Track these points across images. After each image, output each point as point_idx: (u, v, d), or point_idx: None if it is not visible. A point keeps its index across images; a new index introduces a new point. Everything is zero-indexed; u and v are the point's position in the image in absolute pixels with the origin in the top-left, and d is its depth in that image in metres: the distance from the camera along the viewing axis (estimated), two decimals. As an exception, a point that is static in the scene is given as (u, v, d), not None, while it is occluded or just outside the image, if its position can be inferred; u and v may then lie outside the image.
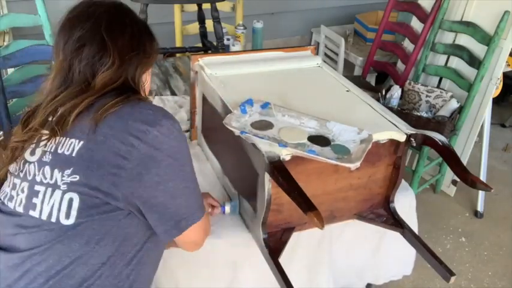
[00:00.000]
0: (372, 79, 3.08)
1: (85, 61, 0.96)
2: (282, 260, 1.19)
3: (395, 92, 2.39)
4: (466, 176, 1.16)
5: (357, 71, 3.10)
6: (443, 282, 1.66)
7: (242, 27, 2.56)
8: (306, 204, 0.96)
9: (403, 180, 1.38)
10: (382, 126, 1.26)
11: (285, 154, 1.11)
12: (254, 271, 1.31)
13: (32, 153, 0.97)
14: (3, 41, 2.50)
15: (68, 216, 0.91)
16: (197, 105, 1.58)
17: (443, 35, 2.49)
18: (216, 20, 2.56)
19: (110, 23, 0.98)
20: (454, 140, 2.40)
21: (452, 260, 2.21)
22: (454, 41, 2.46)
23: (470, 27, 2.32)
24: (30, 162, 0.96)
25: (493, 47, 2.18)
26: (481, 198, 2.49)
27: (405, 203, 1.43)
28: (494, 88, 2.30)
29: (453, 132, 2.34)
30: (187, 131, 1.73)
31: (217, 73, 1.44)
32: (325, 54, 3.22)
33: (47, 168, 0.94)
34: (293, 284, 1.11)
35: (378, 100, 2.32)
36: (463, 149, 2.47)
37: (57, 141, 0.94)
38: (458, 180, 2.37)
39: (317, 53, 1.69)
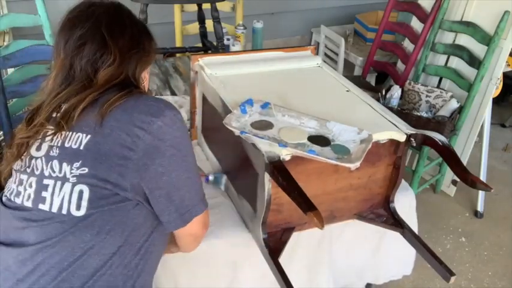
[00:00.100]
0: (372, 79, 3.08)
1: (86, 58, 0.99)
2: (282, 260, 1.19)
3: (395, 92, 2.39)
4: (466, 176, 1.16)
5: (357, 71, 3.10)
6: (443, 282, 1.66)
7: (242, 27, 2.56)
8: (306, 204, 0.96)
9: (403, 180, 1.39)
10: (382, 126, 1.26)
11: (285, 154, 1.11)
12: (254, 271, 1.31)
13: (38, 148, 0.99)
14: (3, 41, 2.50)
15: (78, 207, 0.93)
16: (197, 105, 1.58)
17: (443, 35, 2.49)
18: (216, 20, 2.56)
19: (110, 23, 1.01)
20: (454, 140, 2.40)
21: (452, 260, 2.21)
22: (454, 41, 2.46)
23: (470, 27, 2.32)
24: (36, 158, 0.98)
25: (493, 47, 2.18)
26: (481, 198, 2.49)
27: (405, 203, 1.43)
28: (494, 88, 2.30)
29: (453, 132, 2.34)
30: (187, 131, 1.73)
31: (217, 73, 1.44)
32: (325, 54, 3.22)
33: (55, 162, 0.96)
34: (293, 284, 1.11)
35: (378, 100, 2.32)
36: (463, 149, 2.47)
37: (63, 135, 0.96)
38: (458, 180, 2.37)
39: (317, 53, 1.69)
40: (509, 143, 3.15)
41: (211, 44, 2.74)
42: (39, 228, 0.95)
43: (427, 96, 2.36)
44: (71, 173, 0.94)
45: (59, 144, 0.96)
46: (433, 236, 2.35)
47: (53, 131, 0.97)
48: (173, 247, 1.16)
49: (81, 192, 0.93)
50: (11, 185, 1.02)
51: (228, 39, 2.57)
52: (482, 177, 2.50)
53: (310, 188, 1.11)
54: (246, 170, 1.23)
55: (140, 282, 1.02)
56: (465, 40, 2.39)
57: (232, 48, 2.47)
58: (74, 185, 0.94)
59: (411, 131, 1.25)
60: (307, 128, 1.21)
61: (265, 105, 1.27)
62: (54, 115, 0.98)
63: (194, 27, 2.94)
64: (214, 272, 1.29)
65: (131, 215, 0.97)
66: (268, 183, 1.12)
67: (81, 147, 0.94)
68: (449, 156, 1.21)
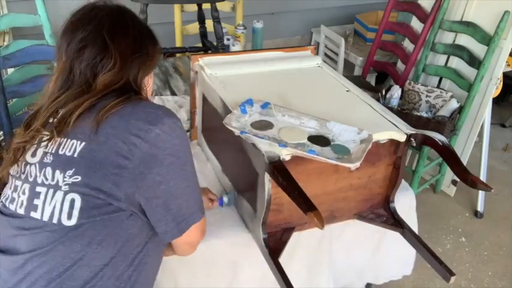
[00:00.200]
0: (372, 79, 3.08)
1: (85, 62, 0.97)
2: (282, 260, 1.19)
3: (395, 92, 2.39)
4: (466, 176, 1.16)
5: (357, 71, 3.10)
6: (443, 282, 1.66)
7: (242, 27, 2.56)
8: (306, 204, 0.96)
9: (403, 180, 1.38)
10: (382, 126, 1.26)
11: (285, 154, 1.11)
12: (254, 271, 1.31)
13: (33, 154, 0.97)
14: (3, 41, 2.50)
15: (69, 216, 0.91)
16: (197, 105, 1.58)
17: (443, 35, 2.49)
18: (216, 20, 2.56)
19: (112, 26, 0.99)
20: (454, 140, 2.40)
21: (452, 260, 2.21)
22: (454, 41, 2.46)
23: (470, 27, 2.32)
24: (31, 164, 0.96)
25: (493, 47, 2.18)
26: (481, 198, 2.49)
27: (405, 203, 1.43)
28: (494, 88, 2.30)
29: (453, 132, 2.34)
30: (187, 131, 1.73)
31: (217, 73, 1.44)
32: (325, 54, 3.22)
33: (49, 169, 0.94)
34: (293, 284, 1.11)
35: (378, 100, 2.31)
36: (463, 149, 2.47)
37: (58, 142, 0.94)
38: (458, 180, 2.37)
39: (317, 53, 1.69)
40: (509, 143, 3.15)
41: (211, 44, 2.74)
42: (30, 237, 0.93)
43: (427, 96, 2.36)
44: (64, 181, 0.91)
45: (53, 151, 0.94)
46: (433, 236, 2.35)
47: (48, 137, 0.94)
48: (169, 250, 1.14)
49: (72, 201, 0.91)
50: (7, 191, 1.00)
51: (228, 39, 2.57)
52: (482, 177, 2.50)
53: (310, 188, 1.11)
54: (246, 170, 1.23)
55: None
56: (465, 40, 2.39)
57: (232, 48, 2.47)
58: (65, 193, 0.91)
59: (411, 131, 1.25)
60: (307, 128, 1.21)
61: (265, 105, 1.27)
62: (51, 120, 0.96)
63: (194, 27, 2.94)
64: (214, 272, 1.29)
65: (125, 225, 0.94)
66: (268, 183, 1.12)
67: (75, 155, 0.92)
68: (449, 156, 1.21)
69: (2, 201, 1.00)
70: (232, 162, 1.40)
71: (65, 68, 0.98)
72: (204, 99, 1.50)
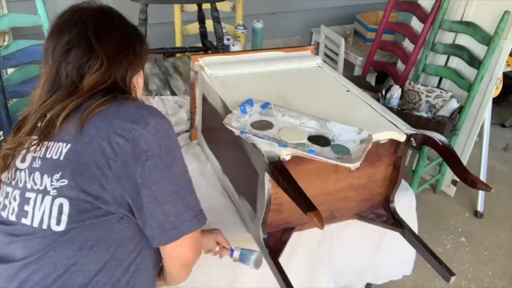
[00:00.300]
0: (372, 79, 3.08)
1: (71, 64, 0.95)
2: (282, 260, 1.19)
3: (395, 92, 2.39)
4: (466, 176, 1.16)
5: (357, 71, 3.10)
6: (443, 282, 1.66)
7: (242, 27, 2.56)
8: (306, 204, 0.96)
9: (403, 180, 1.39)
10: (382, 126, 1.26)
11: (285, 154, 1.11)
12: (254, 271, 1.31)
13: (23, 160, 0.95)
14: (3, 41, 2.50)
15: (58, 222, 0.89)
16: (197, 105, 1.58)
17: (443, 35, 2.49)
18: (216, 20, 2.55)
19: (97, 26, 0.98)
20: (454, 140, 2.40)
21: (452, 260, 2.21)
22: (454, 41, 2.46)
23: (470, 27, 2.32)
24: (21, 170, 0.95)
25: (493, 47, 2.18)
26: (481, 198, 2.49)
27: (405, 203, 1.43)
28: (494, 88, 2.30)
29: (453, 132, 2.34)
30: (187, 131, 1.73)
31: (217, 73, 1.44)
32: (325, 54, 3.22)
33: (37, 174, 0.92)
34: (293, 284, 1.11)
35: (378, 100, 2.31)
36: (463, 149, 2.47)
37: (46, 146, 0.93)
38: (458, 180, 2.37)
39: (317, 53, 1.69)
40: (509, 143, 3.15)
41: (211, 44, 2.74)
42: (23, 243, 0.91)
43: (427, 96, 2.36)
44: (51, 185, 0.90)
45: (41, 155, 0.92)
46: (433, 236, 2.35)
47: (35, 142, 0.93)
48: (160, 281, 1.09)
49: (61, 206, 0.89)
50: None
51: (228, 39, 2.57)
52: (482, 177, 2.50)
53: (310, 188, 1.11)
54: (246, 170, 1.23)
55: None
56: (465, 40, 2.39)
57: (232, 48, 2.47)
58: (54, 198, 0.89)
59: (411, 131, 1.25)
60: (307, 128, 1.21)
61: (265, 105, 1.27)
62: (39, 124, 0.94)
63: (194, 27, 2.94)
64: (214, 272, 1.29)
65: (115, 229, 0.92)
66: (268, 183, 1.12)
67: (61, 158, 0.90)
68: (449, 156, 1.21)
69: None
70: (232, 162, 1.40)
71: (51, 72, 0.97)
72: (204, 99, 1.50)
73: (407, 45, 2.69)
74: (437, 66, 2.49)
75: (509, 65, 2.49)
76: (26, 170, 0.94)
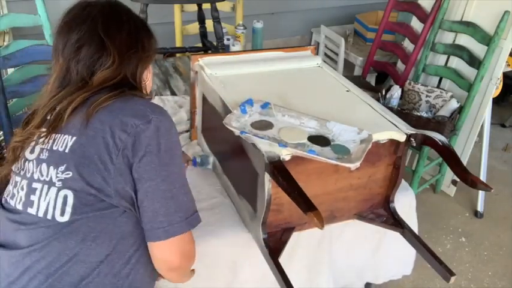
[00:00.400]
0: (372, 79, 3.08)
1: (82, 62, 0.97)
2: (282, 260, 1.19)
3: (395, 92, 2.39)
4: (466, 176, 1.16)
5: (357, 71, 3.10)
6: (443, 282, 1.66)
7: (242, 27, 2.56)
8: (306, 204, 0.96)
9: (403, 180, 1.38)
10: (382, 126, 1.26)
11: (285, 154, 1.11)
12: (254, 271, 1.31)
13: (32, 151, 0.98)
14: (3, 41, 2.50)
15: (62, 213, 0.92)
16: (197, 105, 1.58)
17: (443, 35, 2.49)
18: (216, 20, 2.56)
19: (106, 22, 0.99)
20: (454, 140, 2.40)
21: (452, 260, 2.21)
22: (454, 41, 2.46)
23: (470, 27, 2.32)
24: (29, 160, 0.97)
25: (493, 47, 2.18)
26: (481, 198, 2.49)
27: (405, 203, 1.43)
28: (494, 88, 2.30)
29: (453, 132, 2.34)
30: (187, 131, 1.73)
31: (217, 73, 1.44)
32: (325, 54, 3.22)
33: (44, 166, 0.95)
34: (293, 284, 1.11)
35: (378, 100, 2.31)
36: (463, 149, 2.47)
37: (53, 138, 0.95)
38: (458, 180, 2.37)
39: (317, 53, 1.69)
40: (509, 143, 3.15)
41: (211, 44, 2.74)
42: (28, 232, 0.94)
43: (427, 96, 2.36)
44: (57, 177, 0.92)
45: (48, 147, 0.95)
46: (433, 236, 2.35)
47: (44, 134, 0.95)
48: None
49: (65, 198, 0.91)
50: (9, 187, 1.02)
51: (228, 39, 2.57)
52: (482, 177, 2.50)
53: (310, 188, 1.11)
54: (246, 170, 1.23)
55: None
56: (465, 40, 2.39)
57: (232, 48, 2.46)
58: (59, 189, 0.92)
59: (411, 131, 1.25)
60: (307, 128, 1.21)
61: (265, 105, 1.27)
62: (48, 117, 0.97)
63: (194, 27, 2.94)
64: (214, 272, 1.29)
65: (118, 222, 0.94)
66: (268, 183, 1.12)
67: (67, 150, 0.92)
68: (449, 156, 1.21)
69: (4, 197, 1.02)
70: (232, 162, 1.40)
71: (62, 69, 0.99)
72: (204, 99, 1.50)
73: (407, 45, 2.69)
74: (437, 66, 2.49)
75: (509, 65, 2.49)
76: (34, 161, 0.96)
